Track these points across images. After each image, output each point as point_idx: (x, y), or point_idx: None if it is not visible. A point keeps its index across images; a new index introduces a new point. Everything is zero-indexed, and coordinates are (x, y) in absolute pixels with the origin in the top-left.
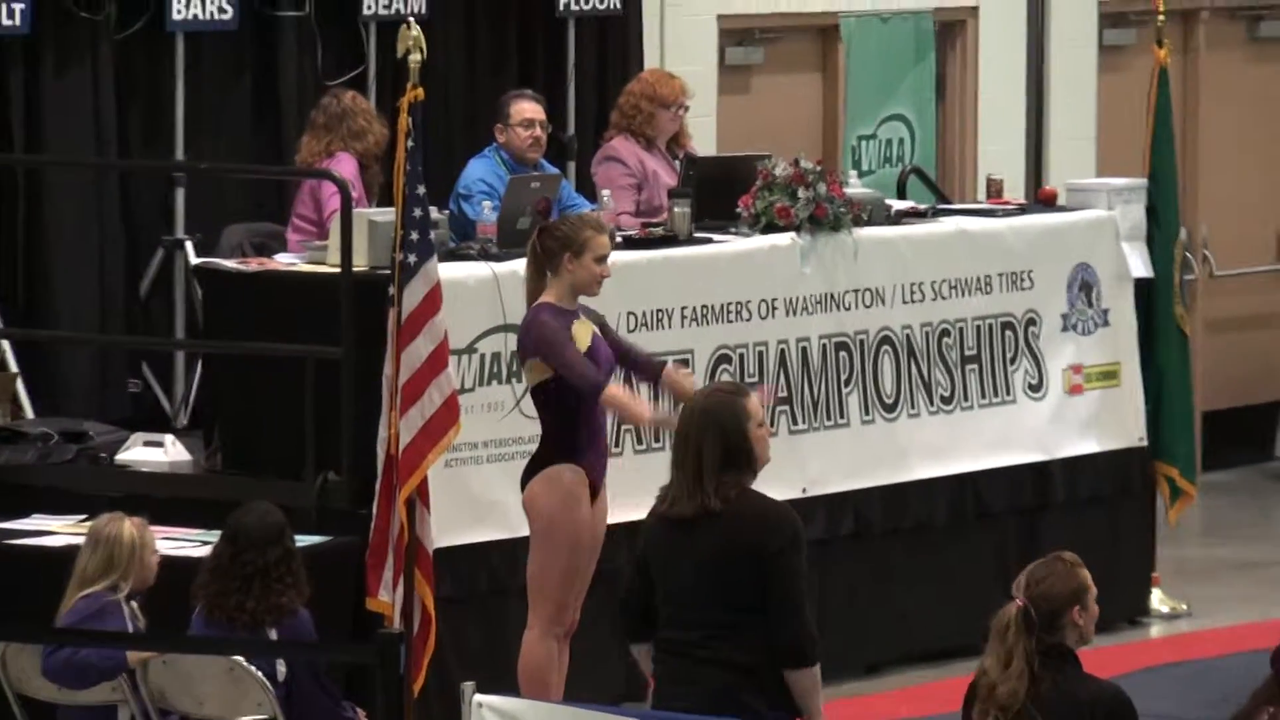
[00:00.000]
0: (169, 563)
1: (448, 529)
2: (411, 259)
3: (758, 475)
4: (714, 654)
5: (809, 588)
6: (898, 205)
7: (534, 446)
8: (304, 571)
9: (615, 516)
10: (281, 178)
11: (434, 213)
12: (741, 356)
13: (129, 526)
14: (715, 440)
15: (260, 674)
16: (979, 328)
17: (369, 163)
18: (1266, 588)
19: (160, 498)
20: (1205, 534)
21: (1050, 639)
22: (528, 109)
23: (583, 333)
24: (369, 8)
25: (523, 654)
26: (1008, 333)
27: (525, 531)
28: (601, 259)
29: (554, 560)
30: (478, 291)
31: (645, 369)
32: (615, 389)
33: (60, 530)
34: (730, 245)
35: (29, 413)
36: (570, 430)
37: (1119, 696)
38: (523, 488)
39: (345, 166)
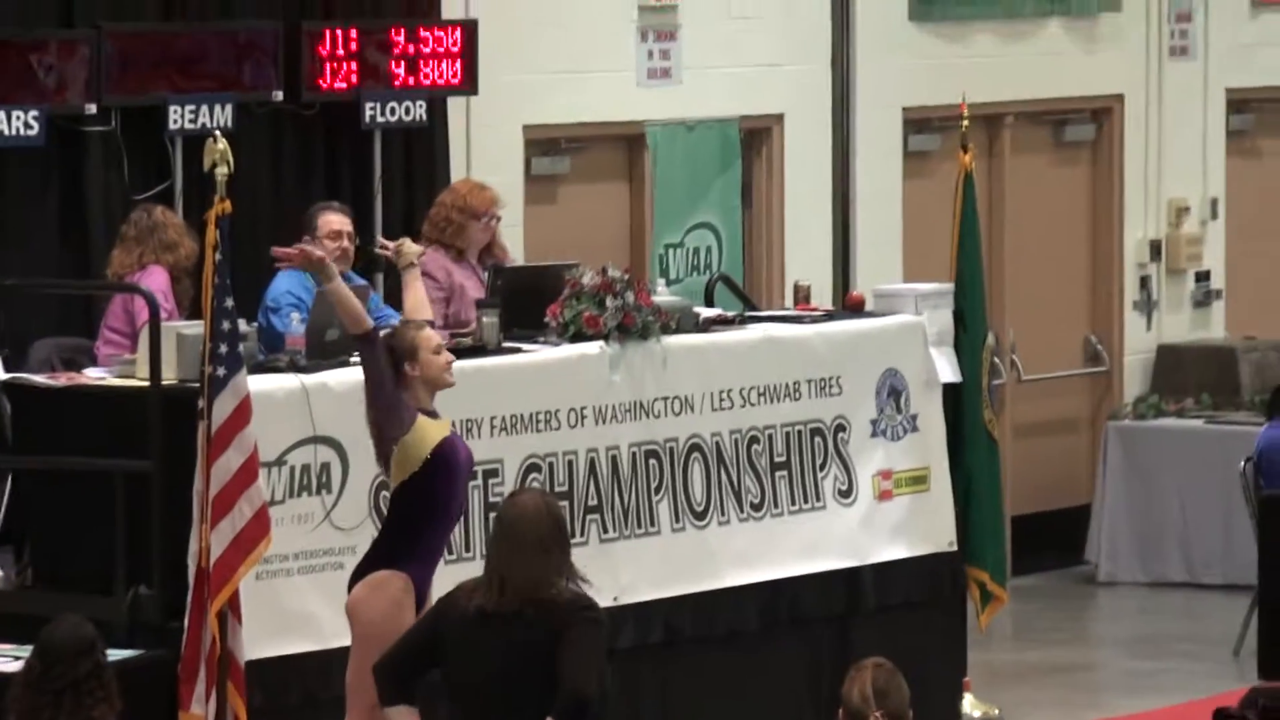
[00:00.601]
0: None
1: (259, 641)
2: (220, 372)
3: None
4: None
5: (611, 684)
6: (706, 313)
7: (344, 558)
8: (115, 684)
9: None
10: (90, 291)
11: (242, 325)
12: (551, 465)
13: None
14: (561, 540)
15: None
16: (788, 434)
17: (180, 275)
18: (1077, 691)
19: None
20: (1016, 638)
21: None
22: (334, 221)
23: (436, 430)
24: (175, 122)
25: None
26: (817, 439)
27: (337, 643)
28: (437, 349)
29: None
30: (287, 403)
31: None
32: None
33: None
34: (539, 354)
35: None
36: (411, 538)
37: None
38: (349, 589)
39: (157, 279)
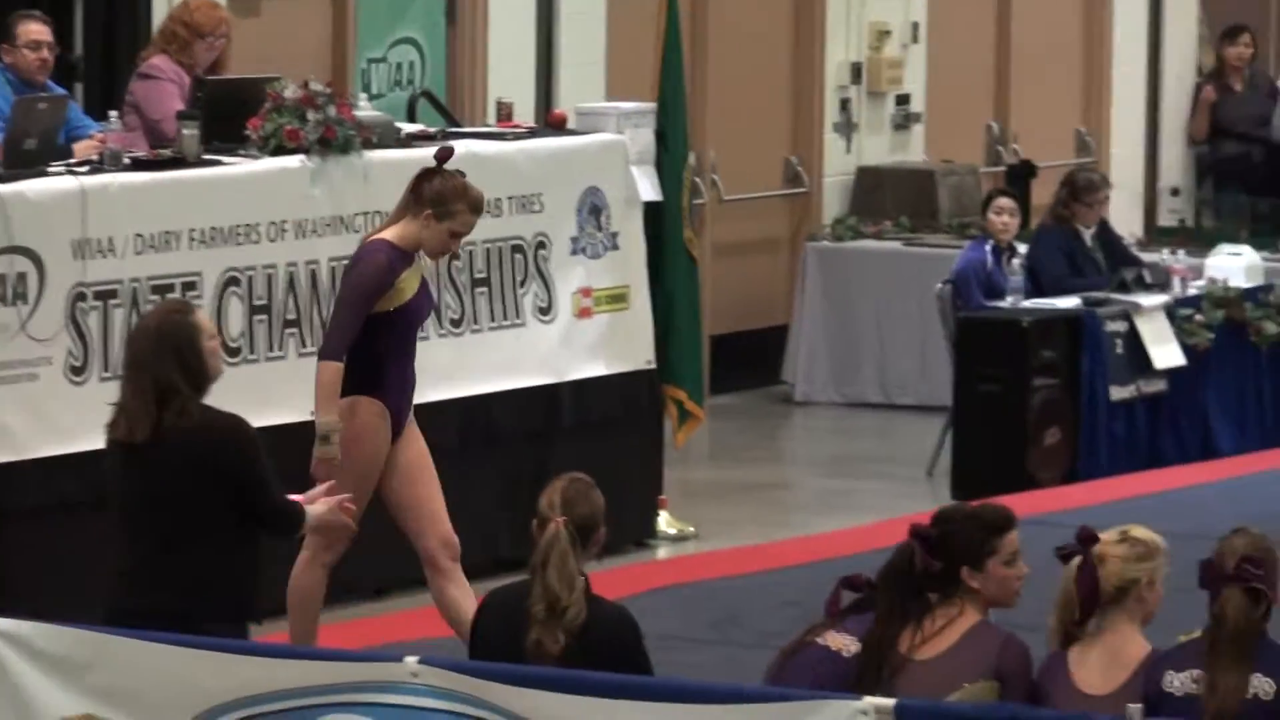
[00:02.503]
0: None
1: None
2: None
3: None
4: (165, 571)
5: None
6: (408, 128)
7: (39, 369)
8: None
9: None
10: None
11: None
12: (250, 279)
13: None
14: (172, 362)
15: None
16: (489, 251)
17: None
18: (771, 509)
19: None
20: (712, 457)
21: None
22: (35, 30)
23: (411, 281)
24: None
25: (292, 578)
26: (517, 256)
27: (30, 454)
28: (457, 235)
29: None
30: None
31: None
32: (330, 417)
33: None
34: (239, 167)
35: None
36: (376, 368)
37: (625, 618)
38: None
39: None
